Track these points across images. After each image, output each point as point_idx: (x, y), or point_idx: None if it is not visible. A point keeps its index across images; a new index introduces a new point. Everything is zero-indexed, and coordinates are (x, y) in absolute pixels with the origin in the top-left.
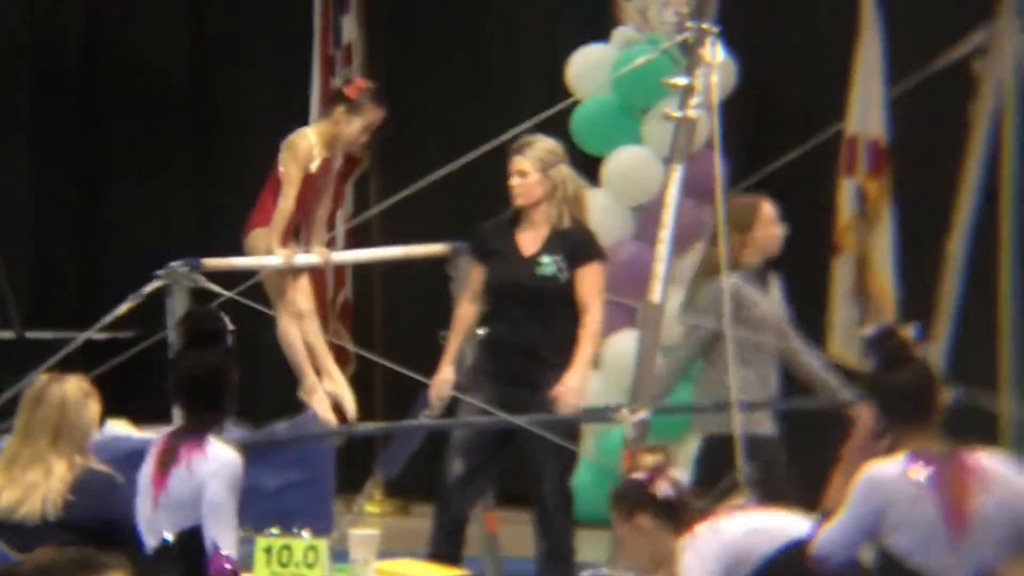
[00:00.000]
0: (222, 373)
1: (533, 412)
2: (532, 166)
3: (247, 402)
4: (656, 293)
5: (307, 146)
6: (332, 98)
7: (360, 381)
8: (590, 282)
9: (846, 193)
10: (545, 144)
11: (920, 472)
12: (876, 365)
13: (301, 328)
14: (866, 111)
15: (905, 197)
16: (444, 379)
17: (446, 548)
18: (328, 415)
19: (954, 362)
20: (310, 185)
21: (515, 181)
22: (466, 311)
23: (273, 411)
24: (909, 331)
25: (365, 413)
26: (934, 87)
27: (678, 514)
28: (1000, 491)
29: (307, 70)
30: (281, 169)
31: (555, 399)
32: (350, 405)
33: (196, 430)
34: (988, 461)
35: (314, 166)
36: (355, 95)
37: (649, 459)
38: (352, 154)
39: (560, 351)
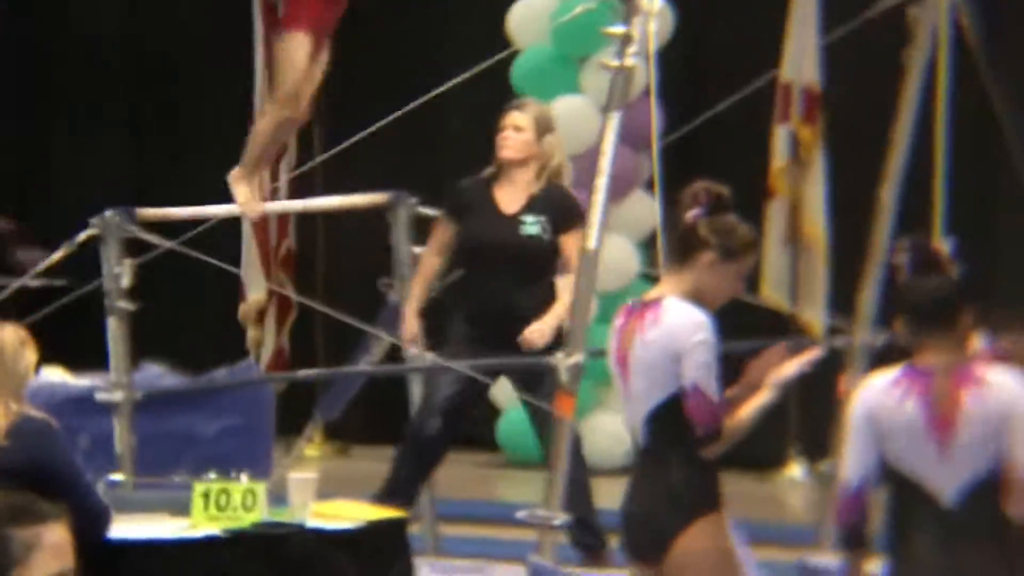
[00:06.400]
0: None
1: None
2: (529, 124)
3: (187, 349)
4: (592, 240)
5: None
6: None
7: (302, 328)
8: (573, 244)
9: (780, 139)
10: (545, 109)
11: (907, 382)
12: (908, 270)
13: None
14: (800, 58)
15: (838, 143)
16: (412, 332)
17: (407, 493)
18: (248, 202)
19: (883, 308)
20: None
21: (507, 134)
22: (430, 263)
23: (215, 358)
24: (944, 246)
25: (307, 359)
26: (868, 34)
27: None
28: (993, 404)
29: (248, 16)
30: None
31: (523, 340)
32: None
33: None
34: (992, 373)
35: None
36: None
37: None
38: None
39: (541, 312)
